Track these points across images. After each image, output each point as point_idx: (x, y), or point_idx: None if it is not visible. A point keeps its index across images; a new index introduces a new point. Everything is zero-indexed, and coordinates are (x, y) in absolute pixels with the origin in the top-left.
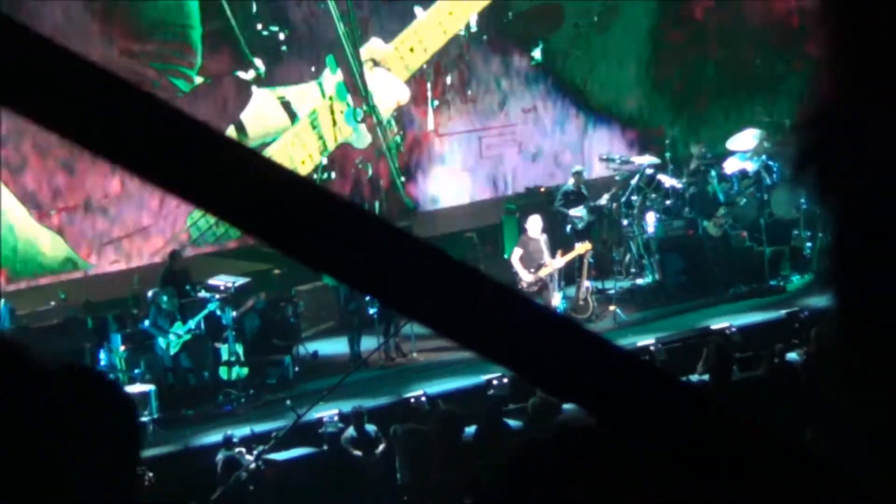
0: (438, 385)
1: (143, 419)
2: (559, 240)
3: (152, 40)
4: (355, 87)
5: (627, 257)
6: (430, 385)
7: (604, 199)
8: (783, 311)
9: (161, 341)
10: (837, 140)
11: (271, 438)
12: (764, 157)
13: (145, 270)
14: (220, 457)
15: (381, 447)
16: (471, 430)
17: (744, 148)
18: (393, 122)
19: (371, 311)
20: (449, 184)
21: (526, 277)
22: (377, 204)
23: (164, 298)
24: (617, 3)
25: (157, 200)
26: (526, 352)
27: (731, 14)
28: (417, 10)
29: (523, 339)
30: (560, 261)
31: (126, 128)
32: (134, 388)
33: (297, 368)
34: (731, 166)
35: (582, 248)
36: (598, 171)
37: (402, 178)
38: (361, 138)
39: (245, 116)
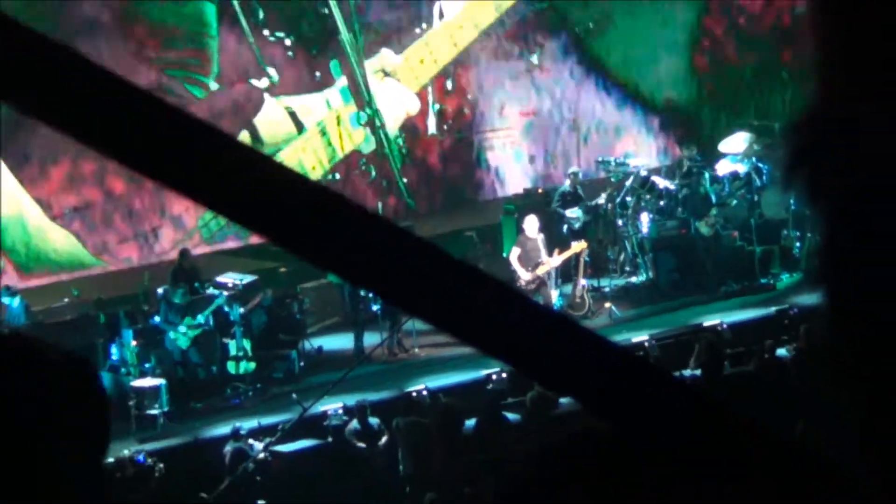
0: (439, 379)
1: (154, 412)
2: (556, 239)
3: (171, 49)
4: (358, 91)
5: (622, 256)
6: (431, 379)
7: (599, 200)
8: (773, 309)
9: (172, 336)
10: (828, 142)
11: (278, 431)
12: (754, 159)
13: (155, 268)
14: (228, 448)
15: (383, 439)
16: (470, 422)
17: (735, 150)
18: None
19: (374, 307)
20: (449, 184)
21: (524, 275)
22: (380, 204)
23: (176, 295)
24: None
25: (168, 200)
26: (523, 348)
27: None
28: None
29: (521, 335)
30: (557, 259)
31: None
32: (145, 382)
33: (302, 363)
34: (722, 168)
35: (578, 247)
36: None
37: (405, 180)
38: (369, 144)
39: (258, 122)
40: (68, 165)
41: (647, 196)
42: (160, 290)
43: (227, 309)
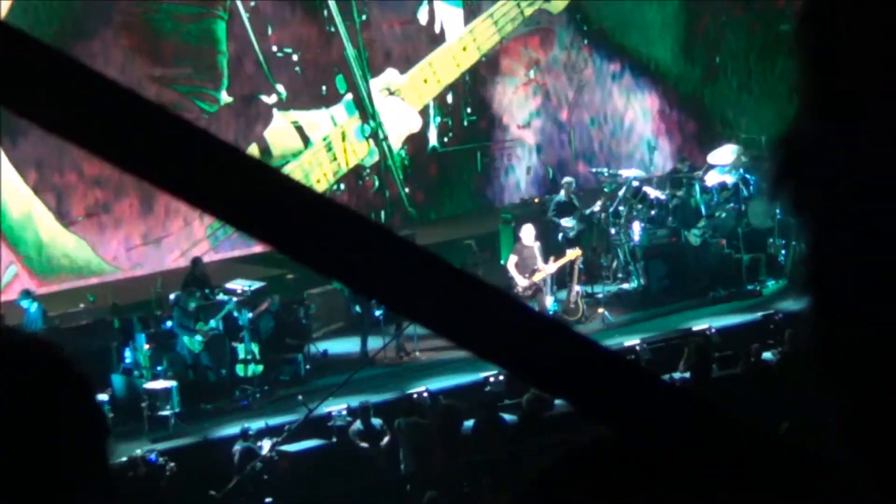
0: (439, 382)
1: (166, 413)
2: (552, 247)
3: (181, 66)
4: (362, 105)
5: (615, 263)
6: (431, 382)
7: (593, 209)
8: (759, 314)
9: (185, 340)
10: (812, 156)
11: (284, 431)
12: (741, 170)
13: (167, 275)
14: (237, 448)
15: (386, 439)
16: (469, 423)
17: (723, 162)
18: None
19: (377, 312)
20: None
21: (521, 282)
22: (382, 214)
23: (190, 301)
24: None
25: (178, 209)
26: (519, 352)
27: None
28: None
29: (516, 340)
30: (552, 266)
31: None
32: (157, 384)
33: (308, 366)
34: (711, 179)
35: (573, 254)
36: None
37: (406, 190)
38: (372, 156)
39: (267, 135)
40: (78, 174)
41: (639, 206)
42: (172, 296)
43: (236, 314)
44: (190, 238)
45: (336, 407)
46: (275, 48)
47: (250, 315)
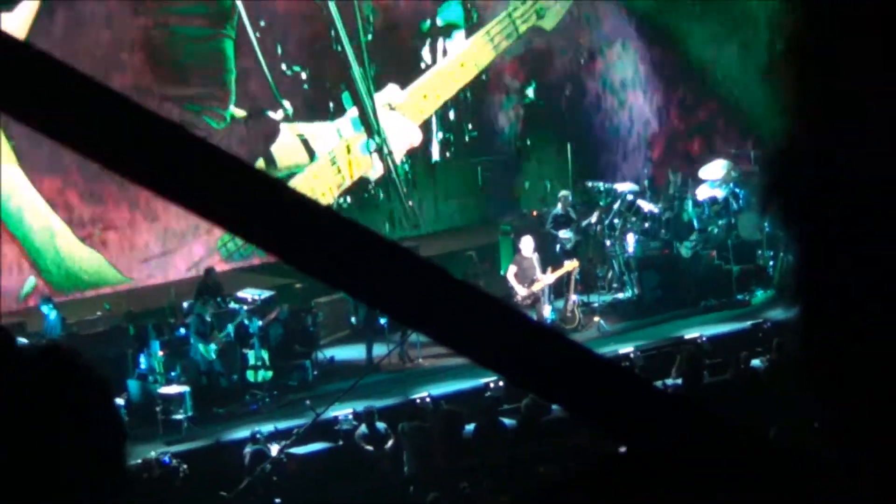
0: (441, 387)
1: (179, 417)
2: (549, 258)
3: (190, 84)
4: (367, 121)
5: (610, 274)
6: (433, 387)
7: (589, 222)
8: (748, 323)
9: (200, 348)
10: (801, 171)
11: (293, 434)
12: (731, 184)
13: (180, 284)
14: (247, 450)
15: (390, 442)
16: (470, 427)
17: (714, 177)
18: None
19: (382, 320)
20: (451, 207)
21: (520, 291)
22: (387, 226)
23: (207, 310)
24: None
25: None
26: (517, 359)
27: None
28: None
29: (515, 347)
30: (550, 277)
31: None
32: (171, 389)
33: (315, 372)
34: (702, 193)
35: (570, 265)
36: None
37: (410, 203)
38: (376, 170)
39: (274, 150)
40: (93, 190)
41: (633, 219)
42: (185, 305)
43: (246, 322)
44: (202, 249)
45: (342, 411)
46: (283, 66)
47: (260, 323)
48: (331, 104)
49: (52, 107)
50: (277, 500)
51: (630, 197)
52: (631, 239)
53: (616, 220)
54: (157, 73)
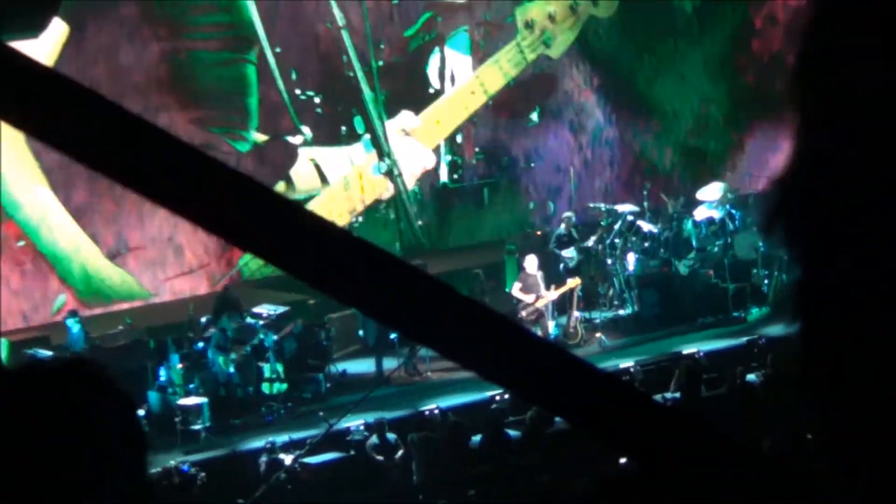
0: (449, 400)
1: (197, 427)
2: (553, 276)
3: (216, 108)
4: (378, 143)
5: (611, 291)
6: (442, 399)
7: (591, 242)
8: (744, 339)
9: (221, 360)
10: (803, 195)
11: (306, 445)
12: (728, 206)
13: (199, 299)
14: (262, 460)
15: (399, 452)
16: (476, 438)
17: (711, 198)
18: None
19: (392, 335)
20: (459, 226)
21: (525, 308)
22: (397, 245)
23: (230, 325)
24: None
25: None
26: (521, 373)
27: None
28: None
29: (519, 362)
30: (554, 294)
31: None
32: (189, 401)
33: (328, 385)
34: (700, 214)
35: (572, 282)
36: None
37: (419, 223)
38: (388, 191)
39: (293, 174)
40: (121, 208)
41: (634, 238)
42: (203, 320)
43: (262, 336)
44: (224, 266)
45: (354, 422)
46: (298, 91)
47: (275, 337)
48: (343, 128)
49: (77, 131)
50: None
51: (630, 217)
52: (631, 258)
53: (617, 240)
54: (180, 96)
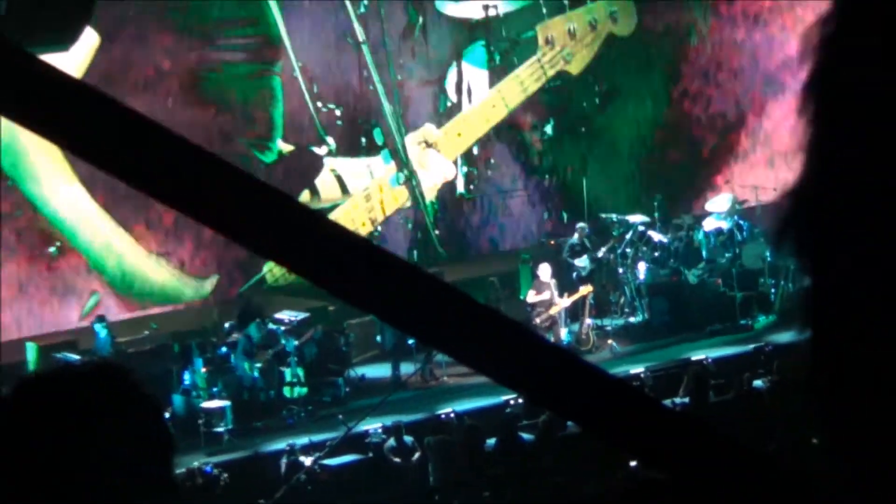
0: (464, 404)
1: (220, 429)
2: (566, 284)
3: (240, 119)
4: (397, 154)
5: (622, 299)
6: (457, 404)
7: (603, 251)
8: (751, 346)
9: (246, 365)
10: (813, 208)
11: (326, 447)
12: (736, 217)
13: (222, 305)
14: (283, 461)
15: (416, 455)
16: (491, 441)
17: (719, 210)
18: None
19: (409, 341)
20: (475, 236)
21: (539, 315)
22: (415, 253)
23: (257, 331)
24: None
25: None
26: (535, 379)
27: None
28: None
29: (533, 368)
30: (567, 301)
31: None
32: (213, 404)
33: (347, 389)
34: (708, 225)
35: (584, 290)
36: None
37: (437, 232)
38: (406, 202)
39: (318, 184)
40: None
41: (644, 248)
42: (227, 325)
43: (283, 341)
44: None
45: (372, 426)
46: (320, 104)
47: (296, 343)
48: (363, 139)
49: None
50: None
51: (641, 228)
52: (642, 267)
53: (628, 250)
54: (208, 107)
